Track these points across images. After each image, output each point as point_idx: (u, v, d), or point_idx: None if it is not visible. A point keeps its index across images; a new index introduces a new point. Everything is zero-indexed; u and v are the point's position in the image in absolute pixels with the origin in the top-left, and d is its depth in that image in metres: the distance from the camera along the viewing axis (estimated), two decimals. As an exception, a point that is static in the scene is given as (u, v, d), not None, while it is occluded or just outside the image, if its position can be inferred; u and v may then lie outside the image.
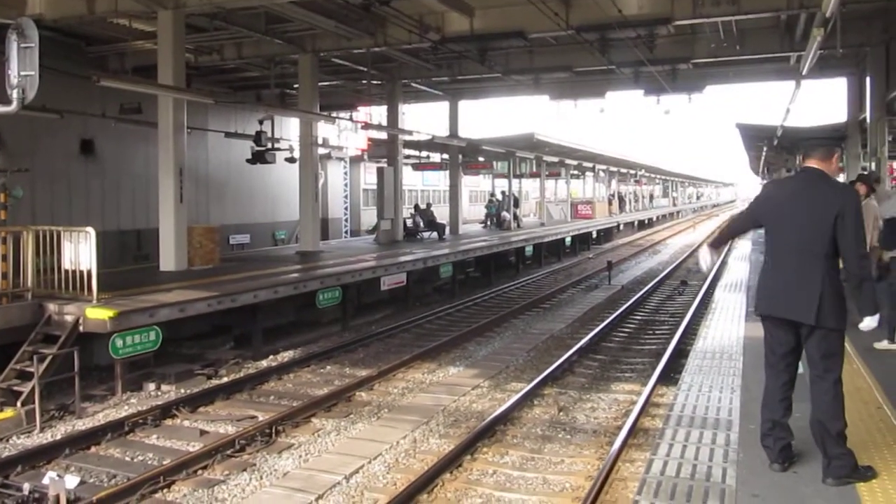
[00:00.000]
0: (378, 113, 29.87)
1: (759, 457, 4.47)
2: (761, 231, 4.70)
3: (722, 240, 5.06)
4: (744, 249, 19.74)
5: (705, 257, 4.94)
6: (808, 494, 3.90)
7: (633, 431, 7.79)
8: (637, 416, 8.22)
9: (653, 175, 56.37)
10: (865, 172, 14.23)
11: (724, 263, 21.29)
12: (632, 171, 47.99)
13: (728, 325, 9.02)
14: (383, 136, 25.06)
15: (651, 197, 57.87)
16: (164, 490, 6.67)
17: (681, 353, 10.67)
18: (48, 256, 10.05)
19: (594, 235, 33.77)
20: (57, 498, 4.57)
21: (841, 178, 19.71)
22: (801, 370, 4.67)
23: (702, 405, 5.73)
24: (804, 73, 13.27)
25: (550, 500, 6.32)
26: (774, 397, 4.26)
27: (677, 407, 5.72)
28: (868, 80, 16.80)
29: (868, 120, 16.74)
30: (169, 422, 8.78)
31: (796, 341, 4.20)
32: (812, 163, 4.25)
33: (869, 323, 7.81)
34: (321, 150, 23.07)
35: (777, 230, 4.24)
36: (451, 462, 7.01)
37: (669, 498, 4.08)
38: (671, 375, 9.70)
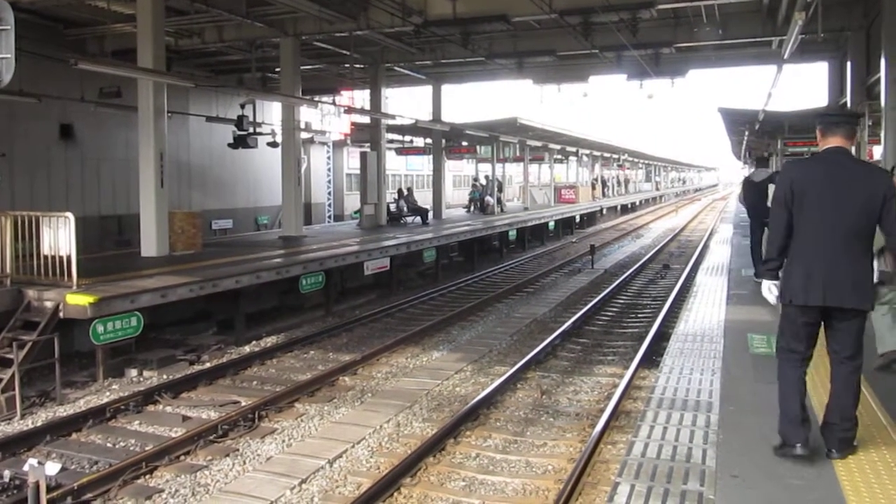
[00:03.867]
0: (361, 97, 29.69)
1: (738, 438, 4.52)
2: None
3: (779, 256, 4.17)
4: (725, 233, 19.86)
5: (768, 296, 4.24)
6: (786, 475, 3.94)
7: (615, 414, 7.86)
8: (619, 398, 8.28)
9: (636, 159, 56.45)
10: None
11: (705, 247, 21.43)
12: (615, 156, 48.07)
13: (709, 308, 9.09)
14: (366, 120, 24.93)
15: (627, 182, 56.95)
16: (147, 476, 6.66)
17: (663, 336, 10.75)
18: (27, 242, 9.96)
19: (577, 220, 33.87)
20: (37, 485, 4.52)
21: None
22: None
23: (682, 387, 5.78)
24: (785, 57, 13.28)
25: (533, 483, 6.36)
26: (798, 396, 4.07)
27: (658, 389, 5.76)
28: (849, 64, 16.89)
29: (848, 104, 16.84)
30: (151, 408, 8.76)
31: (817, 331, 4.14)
32: (838, 142, 4.08)
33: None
34: (304, 135, 22.98)
35: (816, 216, 3.97)
36: (434, 446, 7.05)
37: (650, 479, 4.11)
38: (653, 358, 9.78)
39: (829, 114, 4.29)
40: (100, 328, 9.34)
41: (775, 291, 4.15)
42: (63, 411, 8.51)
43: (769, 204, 7.40)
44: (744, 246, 15.60)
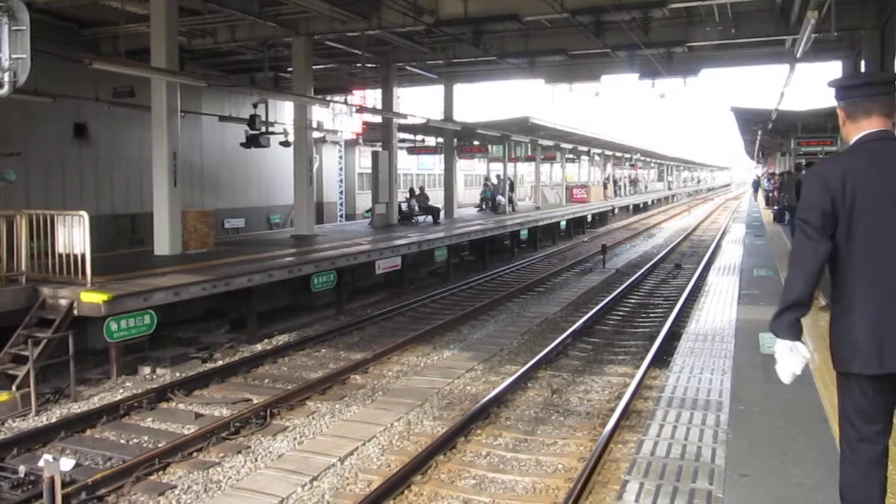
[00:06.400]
0: (373, 96, 29.76)
1: (748, 437, 4.52)
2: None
3: (807, 299, 2.73)
4: (737, 233, 19.78)
5: (788, 365, 2.73)
6: (795, 474, 3.94)
7: (625, 413, 7.85)
8: (630, 398, 8.27)
9: (648, 159, 56.23)
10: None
11: (718, 247, 21.35)
12: (627, 155, 47.92)
13: (721, 307, 9.07)
14: (378, 119, 24.98)
15: (636, 182, 56.00)
16: (160, 472, 6.72)
17: (674, 336, 10.72)
18: (42, 240, 10.05)
19: (589, 219, 33.82)
20: (52, 480, 4.58)
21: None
22: None
23: (693, 387, 5.78)
24: (798, 56, 13.23)
25: (543, 481, 6.37)
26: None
27: (669, 388, 5.76)
28: (863, 63, 16.79)
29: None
30: (164, 405, 8.82)
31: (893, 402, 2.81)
32: (876, 124, 2.81)
33: None
34: (316, 134, 23.04)
35: (877, 240, 2.70)
36: (444, 444, 7.06)
37: (659, 477, 4.12)
38: (664, 358, 9.76)
39: (857, 84, 2.92)
40: (113, 326, 9.41)
41: (802, 354, 2.72)
42: (77, 408, 8.59)
43: None
44: (756, 245, 15.58)
